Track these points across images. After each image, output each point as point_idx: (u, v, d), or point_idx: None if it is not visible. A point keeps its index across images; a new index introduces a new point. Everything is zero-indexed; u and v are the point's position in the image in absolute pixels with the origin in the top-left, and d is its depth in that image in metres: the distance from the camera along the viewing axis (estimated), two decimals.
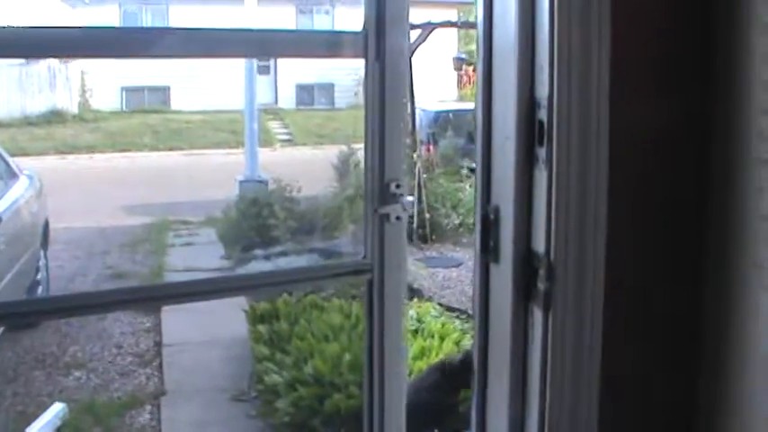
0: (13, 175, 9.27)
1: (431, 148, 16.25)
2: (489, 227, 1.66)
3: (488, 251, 1.67)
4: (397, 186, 2.03)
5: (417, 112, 14.41)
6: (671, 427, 1.64)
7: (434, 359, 6.64)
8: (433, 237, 12.06)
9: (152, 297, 2.33)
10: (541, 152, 1.56)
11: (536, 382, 1.58)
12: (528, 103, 1.57)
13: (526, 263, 1.59)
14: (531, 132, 1.58)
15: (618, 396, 1.59)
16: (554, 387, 1.54)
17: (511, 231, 1.60)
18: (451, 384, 3.50)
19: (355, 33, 2.05)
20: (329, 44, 2.17)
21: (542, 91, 1.55)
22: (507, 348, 1.63)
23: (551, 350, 1.55)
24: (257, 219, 12.33)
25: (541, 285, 1.55)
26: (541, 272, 1.55)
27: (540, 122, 1.56)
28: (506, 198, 1.61)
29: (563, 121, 1.51)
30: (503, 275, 1.64)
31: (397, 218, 2.04)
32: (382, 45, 2.01)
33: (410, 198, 2.06)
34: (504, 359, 1.64)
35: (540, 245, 1.56)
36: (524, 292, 1.60)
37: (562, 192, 1.52)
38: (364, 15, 2.03)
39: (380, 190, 2.03)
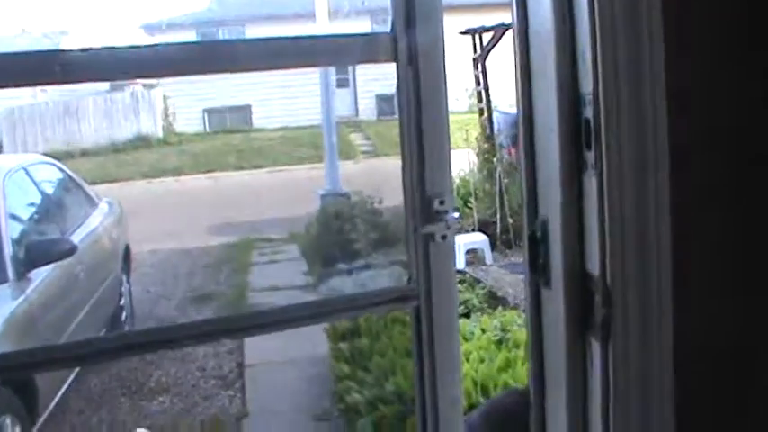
0: (91, 204, 9.30)
1: (512, 151, 15.97)
2: (537, 244, 1.43)
3: (537, 272, 1.44)
4: (441, 203, 1.82)
5: (495, 115, 14.15)
6: None
7: (520, 370, 6.39)
8: (518, 242, 11.77)
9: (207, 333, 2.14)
10: (590, 156, 1.32)
11: (598, 424, 1.34)
12: (571, 100, 1.34)
13: (580, 286, 1.36)
14: (576, 134, 1.34)
15: None
16: (617, 426, 1.31)
17: (560, 249, 1.37)
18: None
19: (384, 35, 1.84)
20: (357, 49, 1.97)
21: (586, 84, 1.31)
22: (563, 384, 1.40)
23: (613, 387, 1.31)
24: (339, 233, 12.25)
25: (598, 313, 1.32)
26: (597, 297, 1.32)
27: (587, 121, 1.32)
28: (554, 211, 1.38)
29: (612, 118, 1.28)
30: (555, 301, 1.41)
31: (443, 237, 1.83)
32: (414, 47, 1.80)
33: (456, 214, 1.85)
34: (562, 396, 1.41)
35: (594, 265, 1.33)
36: (579, 320, 1.37)
37: (615, 202, 1.28)
38: (391, 15, 1.82)
39: (422, 207, 1.83)
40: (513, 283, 10.23)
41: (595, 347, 1.34)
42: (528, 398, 3.33)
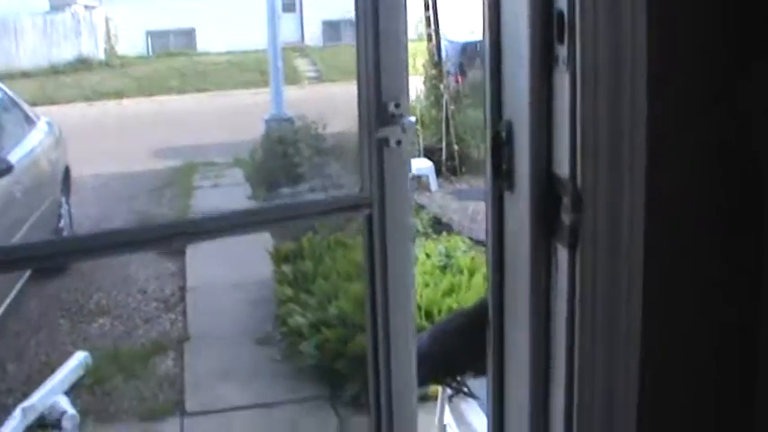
0: (30, 123, 9.06)
1: (459, 78, 15.93)
2: (501, 147, 1.35)
3: (501, 176, 1.36)
4: (397, 106, 1.72)
5: (443, 43, 14.04)
6: (725, 392, 1.33)
7: (464, 295, 6.38)
8: (463, 169, 11.79)
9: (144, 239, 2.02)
10: (562, 50, 1.23)
11: (562, 335, 1.28)
12: None
13: (547, 190, 1.28)
14: (548, 26, 1.25)
15: (661, 352, 1.28)
16: (584, 341, 1.24)
17: (527, 151, 1.28)
18: (480, 329, 3.23)
19: None
20: None
21: None
22: (526, 294, 1.33)
23: (580, 296, 1.24)
24: (283, 157, 12.15)
25: (566, 217, 1.24)
26: (566, 200, 1.24)
27: (560, 13, 1.23)
28: (520, 110, 1.30)
29: (588, 8, 1.19)
30: (519, 206, 1.33)
31: (398, 142, 1.74)
32: None
33: (412, 118, 1.75)
34: (524, 307, 1.34)
35: (563, 167, 1.25)
36: (546, 225, 1.29)
37: (588, 98, 1.20)
38: None
39: (377, 111, 1.73)
40: (458, 210, 10.26)
41: (562, 254, 1.27)
42: (474, 320, 3.29)
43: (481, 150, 12.17)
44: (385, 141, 1.73)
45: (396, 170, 1.75)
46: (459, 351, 3.21)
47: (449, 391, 3.38)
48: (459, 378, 3.35)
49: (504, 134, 1.34)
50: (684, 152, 1.25)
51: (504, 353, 1.44)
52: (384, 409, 1.93)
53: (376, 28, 1.70)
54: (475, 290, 6.30)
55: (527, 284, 1.32)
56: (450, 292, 6.33)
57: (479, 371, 3.64)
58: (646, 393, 1.27)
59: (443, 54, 13.72)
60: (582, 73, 1.20)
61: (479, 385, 3.46)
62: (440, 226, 9.38)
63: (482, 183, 10.90)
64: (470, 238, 8.80)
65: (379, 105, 1.72)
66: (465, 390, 3.37)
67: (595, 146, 1.21)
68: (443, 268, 7.03)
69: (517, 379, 1.39)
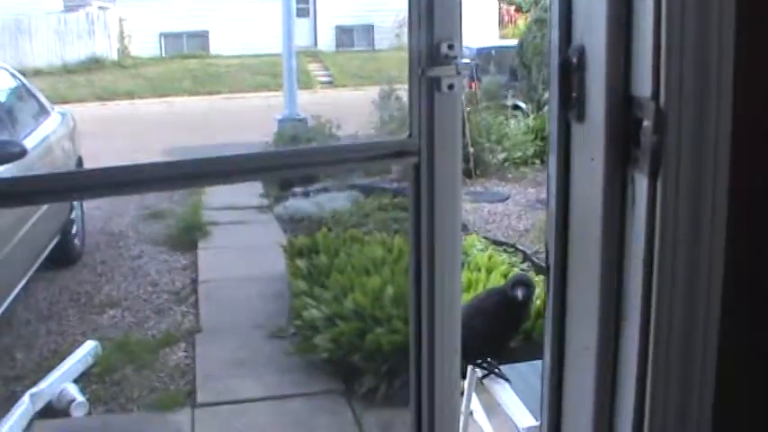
0: (44, 112, 9.02)
1: (473, 84, 15.90)
2: (570, 74, 1.25)
3: (570, 106, 1.27)
4: (450, 47, 1.64)
5: None
6: None
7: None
8: (478, 171, 11.74)
9: (186, 174, 1.92)
10: None
11: (638, 269, 1.18)
12: None
13: (624, 114, 1.18)
14: None
15: (749, 287, 1.19)
16: (663, 275, 1.15)
17: (603, 73, 1.19)
18: (514, 310, 3.17)
19: None
20: None
21: None
22: (597, 232, 1.23)
23: (660, 228, 1.14)
24: None
25: (646, 141, 1.14)
26: (646, 122, 1.14)
27: None
28: (595, 30, 1.20)
29: None
30: (591, 135, 1.23)
31: (450, 86, 1.65)
32: None
33: (466, 61, 1.66)
34: (592, 249, 1.24)
35: (643, 88, 1.15)
36: (622, 154, 1.19)
37: (675, 9, 1.11)
38: None
39: (429, 52, 1.64)
40: (473, 211, 10.20)
41: (640, 184, 1.16)
42: (508, 296, 3.23)
43: (496, 154, 12.13)
44: (437, 84, 1.64)
45: (447, 116, 1.66)
46: (496, 326, 3.15)
47: (478, 373, 3.30)
48: (490, 360, 3.28)
49: (574, 59, 1.25)
50: None
51: (567, 302, 1.34)
52: (426, 379, 1.83)
53: None
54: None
55: (598, 221, 1.22)
56: (467, 287, 6.24)
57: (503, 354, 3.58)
58: (727, 339, 1.18)
59: None
60: None
61: (509, 370, 3.39)
62: None
63: (496, 185, 10.84)
64: (486, 238, 8.75)
65: (431, 46, 1.63)
66: (496, 371, 3.30)
67: (681, 61, 1.11)
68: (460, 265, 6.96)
69: (582, 321, 1.29)
